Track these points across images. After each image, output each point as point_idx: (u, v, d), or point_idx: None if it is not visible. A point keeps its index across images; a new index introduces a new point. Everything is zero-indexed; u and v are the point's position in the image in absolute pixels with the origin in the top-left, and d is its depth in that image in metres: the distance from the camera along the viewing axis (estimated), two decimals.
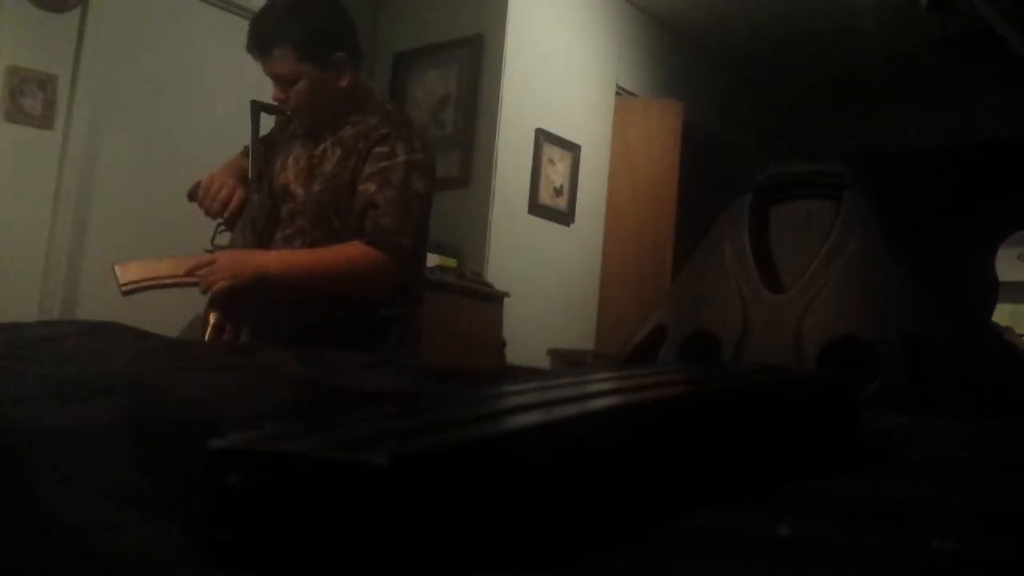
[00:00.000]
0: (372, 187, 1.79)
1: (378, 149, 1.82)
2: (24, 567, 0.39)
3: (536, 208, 4.35)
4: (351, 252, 1.80)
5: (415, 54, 4.46)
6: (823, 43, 5.23)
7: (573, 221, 4.56)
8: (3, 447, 0.53)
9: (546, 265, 4.40)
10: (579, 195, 4.57)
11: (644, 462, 0.50)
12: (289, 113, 1.94)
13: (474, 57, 4.26)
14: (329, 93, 1.85)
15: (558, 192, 4.47)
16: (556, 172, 4.45)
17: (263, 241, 1.90)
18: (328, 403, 0.74)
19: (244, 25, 1.92)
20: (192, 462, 0.43)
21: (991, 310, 4.33)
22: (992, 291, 4.46)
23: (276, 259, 1.82)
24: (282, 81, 1.83)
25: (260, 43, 1.82)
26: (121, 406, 0.62)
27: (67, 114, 3.42)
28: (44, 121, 3.35)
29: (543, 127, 4.36)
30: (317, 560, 0.38)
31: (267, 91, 1.98)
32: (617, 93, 4.84)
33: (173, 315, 3.67)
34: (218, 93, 3.87)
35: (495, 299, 3.84)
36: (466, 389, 0.70)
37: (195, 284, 1.81)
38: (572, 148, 4.53)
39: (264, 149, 1.98)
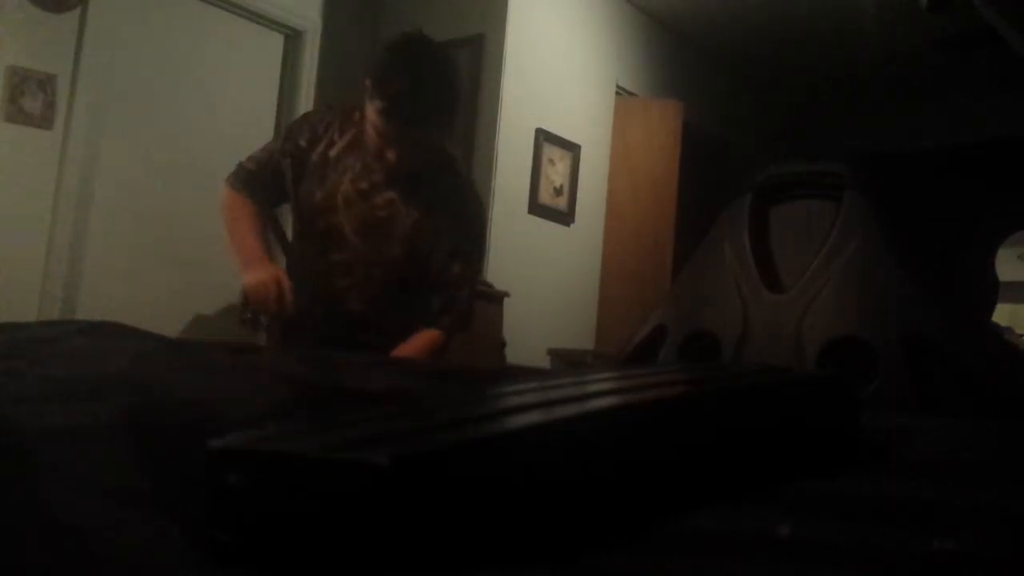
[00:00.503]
0: (456, 267, 1.90)
1: (457, 222, 1.91)
2: (24, 567, 0.39)
3: (536, 208, 4.35)
4: (431, 343, 1.89)
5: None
6: (823, 43, 5.23)
7: (573, 221, 4.56)
8: (3, 447, 0.53)
9: (546, 265, 4.40)
10: (579, 195, 4.57)
11: (644, 462, 0.50)
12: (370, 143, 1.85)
13: (474, 57, 4.26)
14: (428, 154, 1.87)
15: (558, 192, 4.47)
16: (556, 172, 4.45)
17: (324, 303, 1.90)
18: (328, 403, 0.74)
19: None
20: (192, 462, 0.43)
21: (991, 310, 4.33)
22: (992, 291, 4.46)
23: None
24: (404, 145, 1.79)
25: (404, 123, 1.75)
26: (121, 406, 0.62)
27: (67, 114, 3.42)
28: (44, 121, 3.35)
29: (543, 127, 4.36)
30: (317, 560, 0.38)
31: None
32: (617, 93, 4.84)
33: (173, 315, 3.68)
34: (218, 93, 3.87)
35: (495, 299, 3.84)
36: (466, 389, 0.70)
37: None
38: (572, 148, 4.53)
39: (291, 161, 1.92)
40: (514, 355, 3.74)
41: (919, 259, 2.16)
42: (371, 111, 1.77)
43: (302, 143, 1.93)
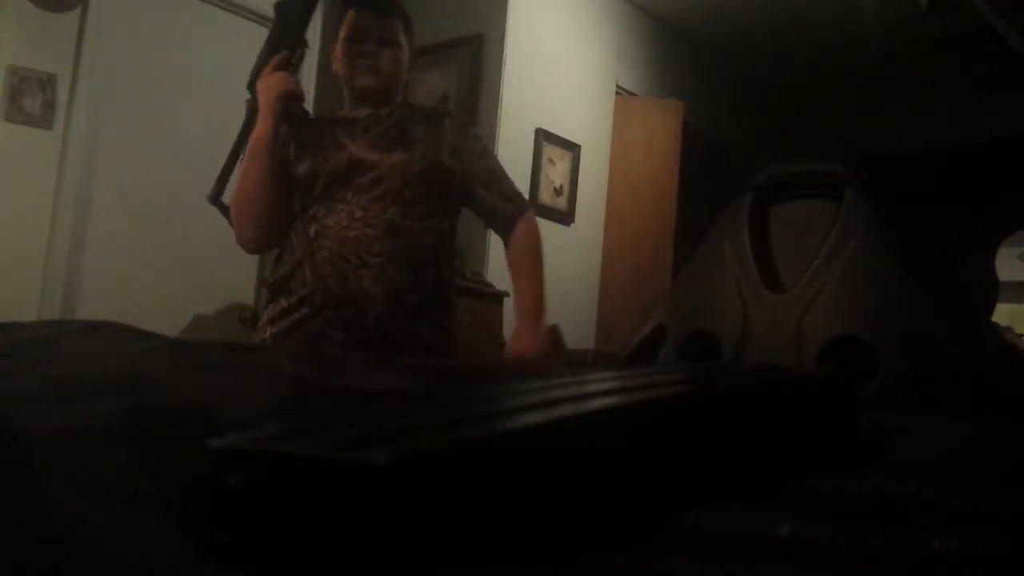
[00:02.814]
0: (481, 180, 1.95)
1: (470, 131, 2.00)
2: (24, 567, 0.39)
3: (536, 208, 4.35)
4: (530, 233, 2.06)
5: (415, 54, 4.46)
6: (823, 43, 5.23)
7: (573, 221, 4.56)
8: (3, 447, 0.53)
9: (546, 265, 4.40)
10: (579, 195, 4.57)
11: (644, 462, 0.50)
12: (367, 74, 1.91)
13: (474, 57, 4.26)
14: (405, 74, 1.96)
15: (558, 192, 4.47)
16: (556, 172, 4.46)
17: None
18: (328, 403, 0.74)
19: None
20: (192, 462, 0.43)
21: (991, 310, 4.34)
22: (992, 291, 4.47)
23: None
24: (384, 44, 1.90)
25: (381, 5, 1.92)
26: (121, 406, 0.62)
27: (67, 114, 3.42)
28: (44, 121, 3.36)
29: (543, 127, 4.36)
30: (317, 560, 0.38)
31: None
32: (617, 93, 4.84)
33: (173, 315, 3.68)
34: (218, 93, 3.87)
35: (495, 299, 3.84)
36: (466, 389, 0.70)
37: None
38: (572, 148, 4.53)
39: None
40: None
41: (919, 259, 2.16)
42: (345, 31, 1.91)
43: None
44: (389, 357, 1.66)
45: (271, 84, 1.84)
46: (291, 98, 1.85)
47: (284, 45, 1.89)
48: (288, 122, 1.87)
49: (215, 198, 1.90)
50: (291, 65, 1.89)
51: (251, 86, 1.92)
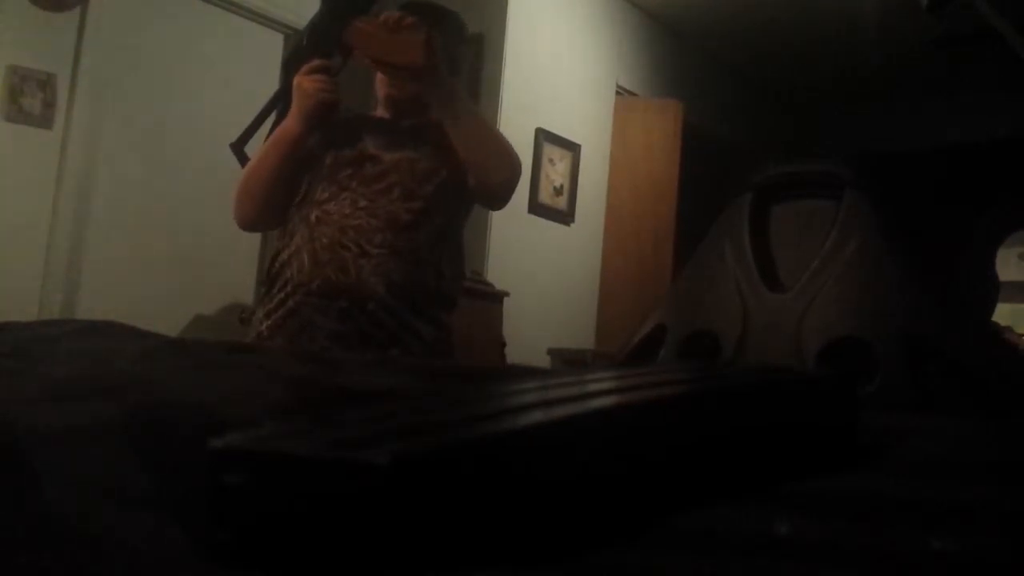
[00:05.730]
0: None
1: None
2: (23, 567, 0.39)
3: (536, 208, 4.36)
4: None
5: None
6: (824, 43, 5.23)
7: (573, 221, 4.56)
8: (3, 447, 0.53)
9: (546, 265, 4.41)
10: (579, 195, 4.57)
11: (644, 461, 0.50)
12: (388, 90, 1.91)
13: (474, 57, 4.26)
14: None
15: (558, 192, 4.47)
16: (556, 172, 4.46)
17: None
18: (328, 403, 0.74)
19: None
20: (192, 462, 0.43)
21: (991, 310, 4.33)
22: (992, 291, 4.46)
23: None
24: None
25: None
26: (121, 406, 0.62)
27: (67, 113, 3.42)
28: (44, 121, 3.36)
29: (543, 127, 4.37)
30: (317, 560, 0.38)
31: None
32: (617, 93, 4.84)
33: (173, 315, 3.68)
34: (218, 93, 3.87)
35: (495, 299, 3.84)
36: (466, 388, 0.70)
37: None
38: (572, 148, 4.53)
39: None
40: (514, 355, 3.75)
41: (919, 259, 2.16)
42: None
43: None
44: (389, 357, 1.66)
45: (307, 90, 1.79)
46: (326, 108, 1.81)
47: (324, 44, 1.81)
48: (320, 128, 1.88)
49: (238, 147, 1.92)
50: (331, 69, 1.83)
51: (286, 65, 1.94)
